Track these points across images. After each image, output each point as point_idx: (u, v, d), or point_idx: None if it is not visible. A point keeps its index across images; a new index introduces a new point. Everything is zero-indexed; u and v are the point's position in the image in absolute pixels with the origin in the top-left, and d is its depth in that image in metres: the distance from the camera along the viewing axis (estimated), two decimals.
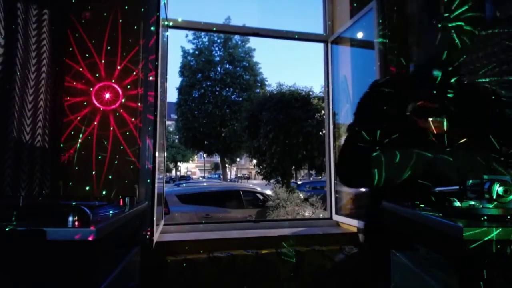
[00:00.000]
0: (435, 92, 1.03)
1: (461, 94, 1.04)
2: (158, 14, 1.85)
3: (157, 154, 1.76)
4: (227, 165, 24.73)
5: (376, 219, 1.02)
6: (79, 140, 1.89)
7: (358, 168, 1.04)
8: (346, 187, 1.21)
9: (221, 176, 24.15)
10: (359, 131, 1.05)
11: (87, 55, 1.93)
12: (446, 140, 0.96)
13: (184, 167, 37.77)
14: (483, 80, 1.56)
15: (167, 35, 2.26)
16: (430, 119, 0.98)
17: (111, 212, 0.97)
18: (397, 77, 1.17)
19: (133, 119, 1.98)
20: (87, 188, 1.88)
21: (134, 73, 1.99)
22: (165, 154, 2.44)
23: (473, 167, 0.90)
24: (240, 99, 18.80)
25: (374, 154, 0.98)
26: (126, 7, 2.00)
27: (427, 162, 0.93)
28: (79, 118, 1.91)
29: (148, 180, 1.88)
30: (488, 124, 1.01)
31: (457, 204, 0.68)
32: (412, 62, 1.21)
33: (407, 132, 0.99)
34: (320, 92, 11.68)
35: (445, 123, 0.97)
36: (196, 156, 32.62)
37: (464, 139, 0.94)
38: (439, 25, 0.99)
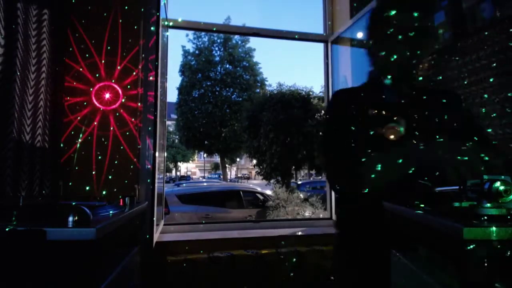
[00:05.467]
0: (385, 97, 1.02)
1: (422, 98, 1.02)
2: (158, 14, 1.85)
3: (157, 154, 1.76)
4: (227, 165, 24.71)
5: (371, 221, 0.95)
6: (79, 140, 1.89)
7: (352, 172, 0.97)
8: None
9: (221, 176, 24.14)
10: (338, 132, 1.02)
11: (87, 55, 1.93)
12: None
13: (184, 167, 37.72)
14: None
15: (167, 35, 2.26)
16: (386, 127, 0.95)
17: (111, 212, 0.97)
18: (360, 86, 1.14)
19: (133, 119, 1.98)
20: (87, 188, 1.88)
21: (134, 73, 1.99)
22: (165, 154, 2.44)
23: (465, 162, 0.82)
24: (240, 99, 18.79)
25: (363, 156, 0.93)
26: (126, 7, 1.99)
27: (417, 158, 0.88)
28: (79, 118, 1.91)
29: (148, 180, 1.88)
30: (454, 129, 0.97)
31: (457, 204, 0.68)
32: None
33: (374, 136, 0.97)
34: (320, 92, 11.70)
35: (401, 129, 0.95)
36: (196, 156, 32.60)
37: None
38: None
